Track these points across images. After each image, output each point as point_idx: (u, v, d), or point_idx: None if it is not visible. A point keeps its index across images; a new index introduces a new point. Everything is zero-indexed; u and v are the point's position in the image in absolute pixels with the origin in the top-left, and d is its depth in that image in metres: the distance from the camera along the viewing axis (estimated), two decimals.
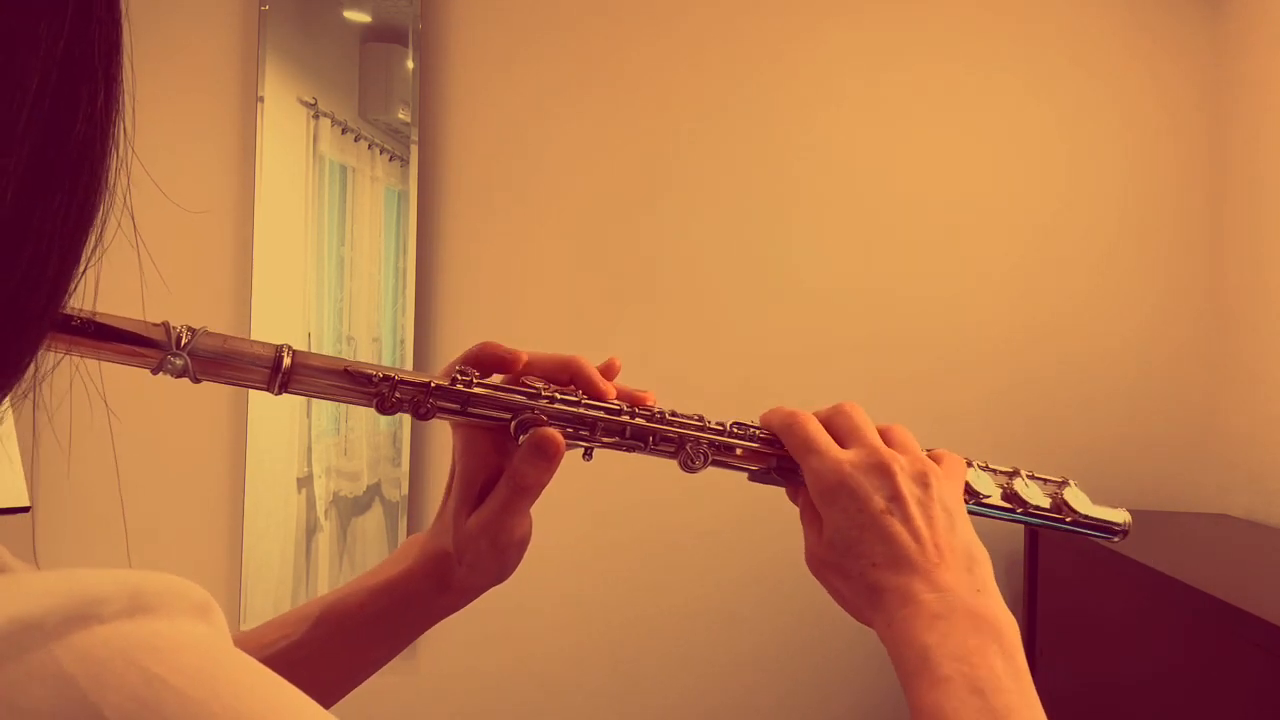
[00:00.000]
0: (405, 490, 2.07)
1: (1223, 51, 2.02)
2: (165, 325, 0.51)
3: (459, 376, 0.58)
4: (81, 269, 0.35)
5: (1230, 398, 1.97)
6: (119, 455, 2.10)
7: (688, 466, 0.61)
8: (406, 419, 2.07)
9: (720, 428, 0.62)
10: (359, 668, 0.64)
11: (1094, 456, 2.02)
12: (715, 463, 0.62)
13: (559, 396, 0.59)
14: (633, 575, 2.09)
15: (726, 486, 2.01)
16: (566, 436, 0.59)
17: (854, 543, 0.57)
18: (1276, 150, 1.85)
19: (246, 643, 0.62)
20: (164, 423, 2.11)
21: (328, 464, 2.08)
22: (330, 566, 2.08)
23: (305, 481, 2.08)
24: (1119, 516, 0.69)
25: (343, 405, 2.06)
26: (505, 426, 0.59)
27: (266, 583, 2.07)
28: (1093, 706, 1.49)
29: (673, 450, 0.61)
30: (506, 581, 0.64)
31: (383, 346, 2.08)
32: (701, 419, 0.62)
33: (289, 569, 2.07)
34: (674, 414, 0.62)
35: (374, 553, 2.08)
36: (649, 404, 0.62)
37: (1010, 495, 0.67)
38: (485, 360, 0.60)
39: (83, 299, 0.39)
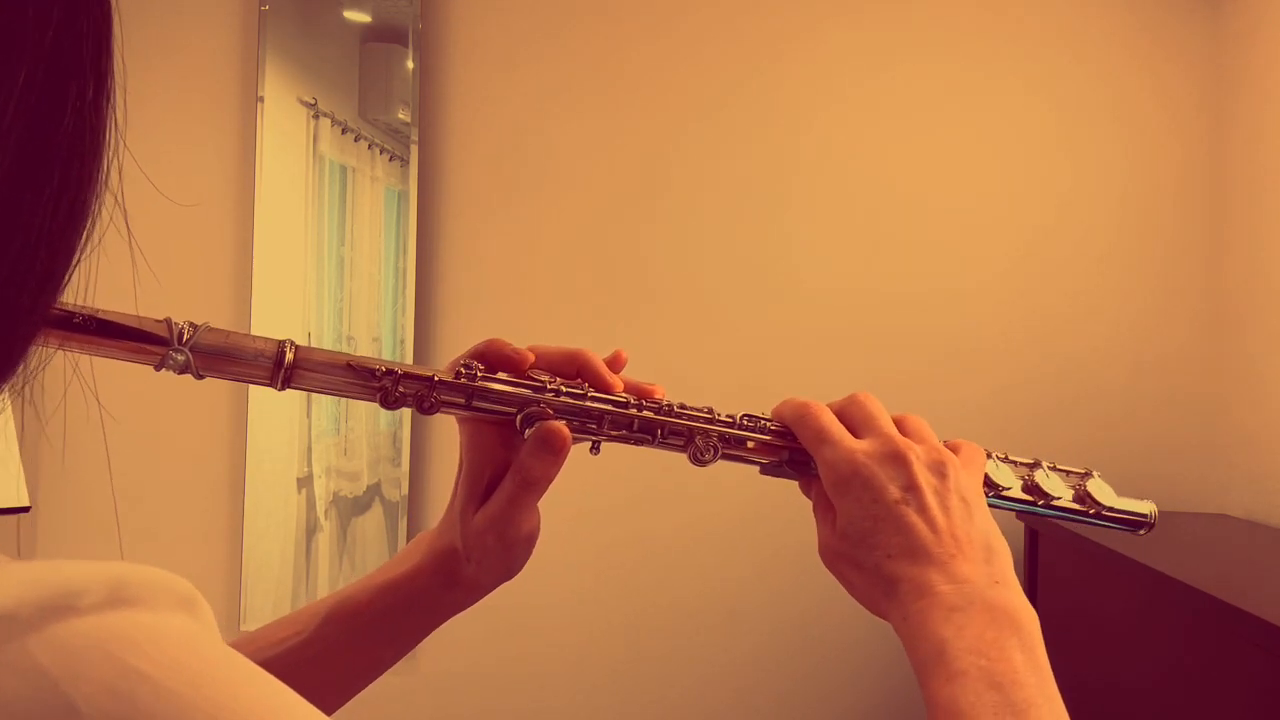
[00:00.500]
0: (405, 490, 2.07)
1: (1222, 51, 2.02)
2: (167, 321, 0.51)
3: (463, 370, 0.57)
4: (73, 265, 0.34)
5: (1230, 398, 1.97)
6: (119, 455, 2.11)
7: (698, 460, 0.60)
8: (407, 418, 2.07)
9: (730, 420, 0.61)
10: (368, 665, 0.64)
11: (1094, 457, 2.01)
12: (726, 456, 0.61)
13: (565, 389, 0.59)
14: (632, 575, 2.09)
15: (726, 486, 2.02)
16: (573, 430, 0.58)
17: (868, 534, 0.56)
18: (1277, 150, 1.85)
19: (258, 640, 0.62)
20: (164, 423, 2.11)
21: (328, 464, 2.08)
22: (330, 566, 2.08)
23: (305, 481, 2.08)
24: (1145, 508, 0.67)
25: (342, 405, 2.06)
26: (511, 421, 0.58)
27: (266, 583, 2.07)
28: (1093, 706, 1.49)
29: (682, 444, 0.60)
30: (507, 582, 0.63)
31: (383, 346, 2.08)
32: (711, 411, 0.61)
33: (289, 569, 2.07)
34: (683, 406, 0.61)
35: (374, 553, 2.08)
36: (657, 397, 0.61)
37: (1031, 487, 0.65)
38: (491, 358, 0.59)
39: (78, 296, 0.39)
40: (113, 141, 0.35)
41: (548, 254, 2.11)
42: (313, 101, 2.08)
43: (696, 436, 0.60)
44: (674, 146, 2.10)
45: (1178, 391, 2.04)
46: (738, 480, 2.08)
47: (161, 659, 0.29)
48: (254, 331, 2.23)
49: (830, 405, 0.61)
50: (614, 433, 0.59)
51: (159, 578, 0.31)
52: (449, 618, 0.64)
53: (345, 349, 2.08)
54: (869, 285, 2.07)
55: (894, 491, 0.56)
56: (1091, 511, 0.66)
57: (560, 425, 0.57)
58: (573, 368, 0.61)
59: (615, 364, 0.62)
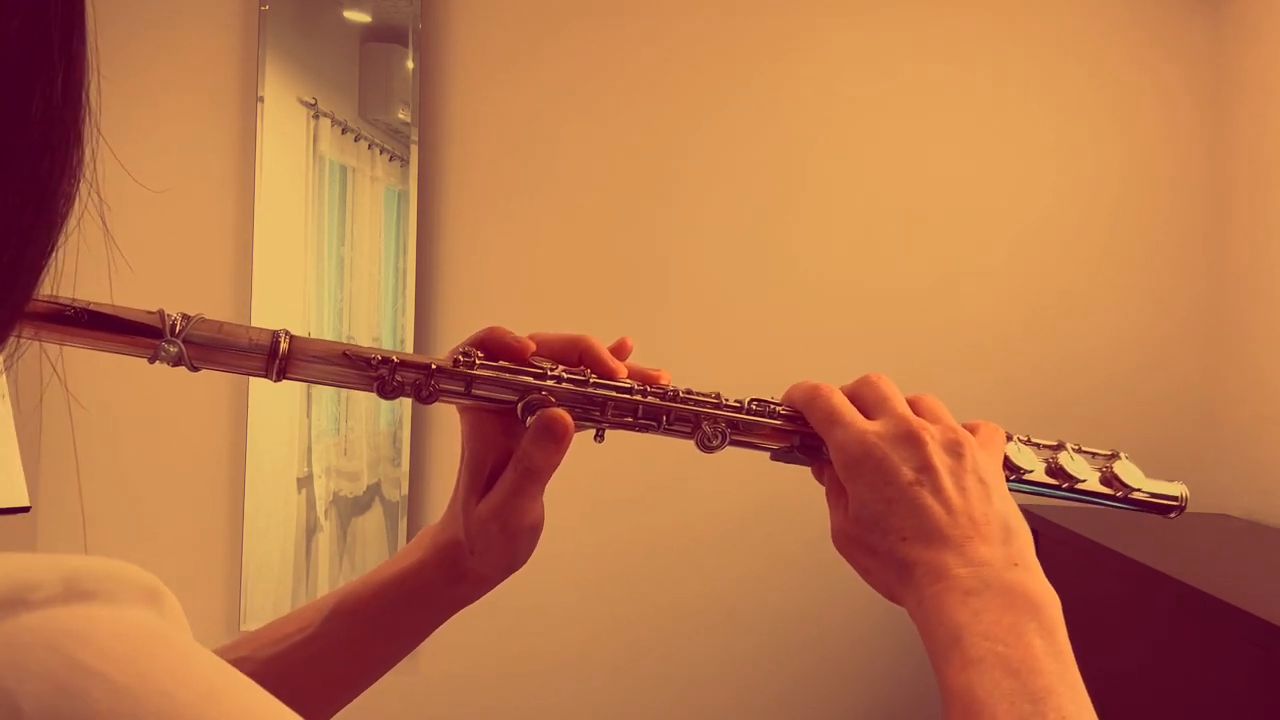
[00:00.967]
0: (405, 490, 2.07)
1: (1222, 49, 2.02)
2: (160, 313, 0.50)
3: (462, 358, 0.56)
4: (48, 256, 0.33)
5: (1231, 397, 1.97)
6: (119, 455, 2.11)
7: (705, 446, 0.58)
8: (407, 418, 2.07)
9: (739, 405, 0.60)
10: (374, 661, 0.63)
11: None
12: (734, 442, 0.59)
13: (567, 376, 0.58)
14: (633, 574, 2.09)
15: (727, 484, 2.02)
16: (576, 417, 0.57)
17: (882, 516, 0.54)
18: (1277, 148, 1.85)
19: (261, 637, 0.61)
20: (164, 423, 2.11)
21: (328, 464, 2.08)
22: (330, 566, 2.08)
23: (305, 481, 2.07)
24: (1175, 489, 0.64)
25: (343, 405, 2.06)
26: (512, 409, 0.57)
27: (266, 583, 2.06)
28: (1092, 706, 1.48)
29: (689, 430, 0.59)
30: (506, 581, 0.62)
31: (382, 346, 2.08)
32: (718, 396, 0.60)
33: (289, 569, 2.07)
34: (689, 392, 0.59)
35: (374, 553, 2.08)
36: (663, 383, 0.60)
37: (1055, 470, 0.62)
38: (491, 345, 0.58)
39: (74, 292, 0.39)
40: (90, 130, 0.34)
41: (548, 254, 2.11)
42: (313, 101, 2.08)
43: (704, 422, 0.59)
44: (674, 146, 2.10)
45: (1178, 391, 2.04)
46: (739, 478, 2.09)
47: (114, 654, 0.27)
48: None
49: (843, 388, 0.59)
50: (618, 419, 0.58)
51: (118, 570, 0.30)
52: (454, 612, 0.63)
53: None
54: (871, 282, 2.07)
55: (907, 473, 0.54)
56: (1119, 494, 0.63)
57: (562, 412, 0.56)
58: (575, 354, 0.60)
59: (621, 352, 0.61)
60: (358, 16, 2.09)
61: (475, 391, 0.57)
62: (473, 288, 2.11)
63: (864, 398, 0.58)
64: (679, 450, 0.63)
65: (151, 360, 0.50)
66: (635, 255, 2.10)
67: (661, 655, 2.08)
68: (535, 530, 0.60)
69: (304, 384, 0.62)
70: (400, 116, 2.08)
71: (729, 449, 0.60)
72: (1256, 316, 1.90)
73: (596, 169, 2.11)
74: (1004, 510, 0.55)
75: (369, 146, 2.09)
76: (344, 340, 2.08)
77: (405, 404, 2.05)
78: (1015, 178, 2.07)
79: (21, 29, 0.30)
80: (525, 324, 2.11)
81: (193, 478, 2.11)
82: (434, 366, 0.56)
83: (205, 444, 2.11)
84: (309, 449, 2.07)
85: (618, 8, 2.12)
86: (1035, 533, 1.75)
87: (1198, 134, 2.05)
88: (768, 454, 0.61)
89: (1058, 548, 1.71)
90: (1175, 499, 0.63)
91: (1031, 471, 0.61)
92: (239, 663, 0.59)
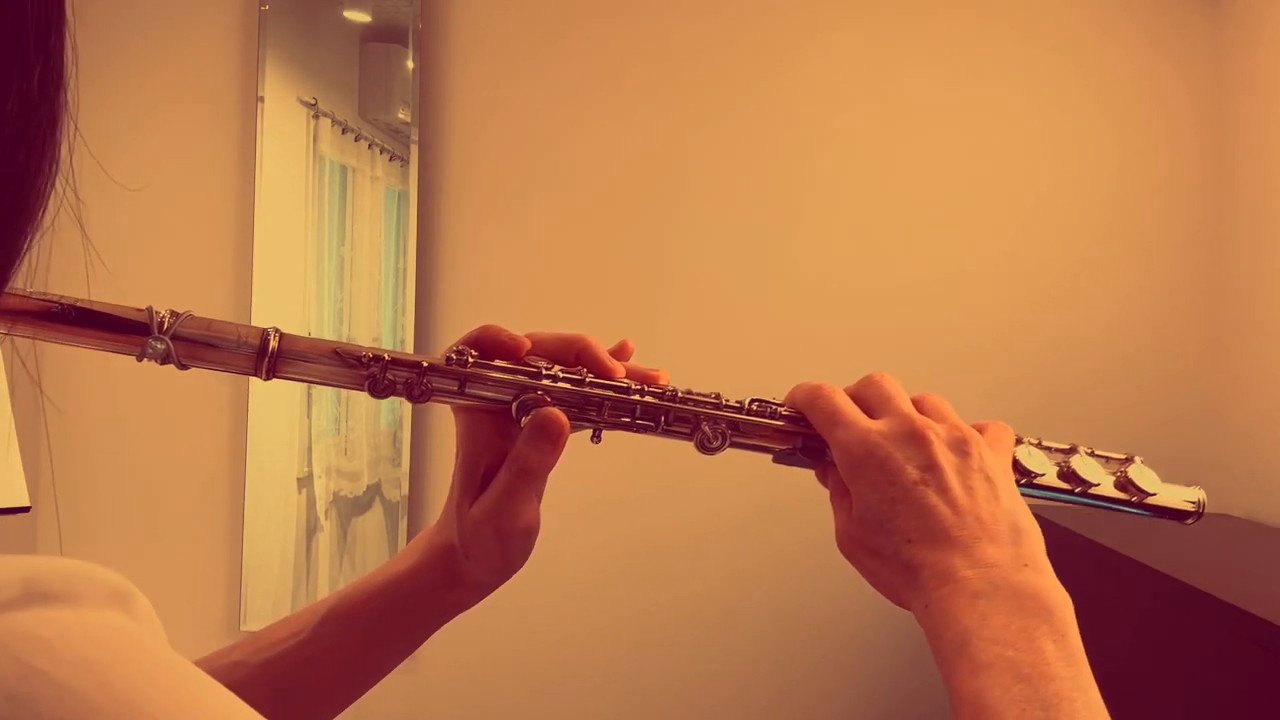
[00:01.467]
0: (405, 490, 2.07)
1: (1220, 48, 2.02)
2: (148, 310, 0.49)
3: (455, 357, 0.55)
4: (21, 252, 0.33)
5: (1231, 398, 1.96)
6: (119, 456, 2.11)
7: (705, 447, 0.57)
8: (407, 418, 2.07)
9: (739, 405, 0.58)
10: (369, 666, 0.61)
11: None
12: (735, 444, 0.57)
13: (563, 375, 0.56)
14: (633, 574, 2.08)
15: (727, 484, 2.02)
16: (573, 417, 0.56)
17: (886, 518, 0.52)
18: (1277, 147, 1.84)
19: (256, 641, 0.60)
20: (164, 423, 2.11)
21: (328, 464, 2.08)
22: (330, 566, 2.08)
23: (305, 481, 2.07)
24: (1193, 495, 0.61)
25: (343, 405, 2.06)
26: (507, 409, 0.56)
27: (266, 583, 2.06)
28: None
29: (688, 431, 0.57)
30: (508, 581, 0.60)
31: (383, 346, 2.07)
32: (719, 397, 0.58)
33: (289, 569, 2.07)
34: (688, 392, 0.58)
35: (374, 553, 2.08)
36: (661, 383, 0.58)
37: (1067, 474, 0.60)
38: (486, 344, 0.57)
39: (45, 285, 0.38)
40: (69, 127, 0.33)
41: (548, 253, 2.11)
42: (313, 101, 2.08)
43: (704, 423, 0.57)
44: (675, 145, 2.10)
45: (1178, 391, 2.04)
46: (740, 478, 2.09)
47: (69, 658, 0.26)
48: None
49: (846, 388, 0.58)
50: (615, 420, 0.57)
51: (83, 571, 0.29)
52: (450, 618, 0.61)
53: None
54: (872, 283, 2.07)
55: (912, 472, 0.52)
56: (1134, 500, 0.60)
57: (558, 412, 0.55)
58: (571, 353, 0.58)
59: (621, 353, 0.60)
60: (358, 16, 2.09)
61: (469, 390, 0.55)
62: (473, 288, 2.11)
63: (867, 397, 0.57)
64: (679, 450, 0.62)
65: (139, 358, 0.49)
66: (635, 255, 2.10)
67: (661, 655, 2.08)
68: (530, 533, 0.58)
69: (303, 383, 0.61)
70: (400, 116, 2.08)
71: (729, 451, 0.58)
72: (1256, 316, 1.89)
73: (597, 169, 2.11)
74: (1013, 509, 0.53)
75: (369, 146, 2.09)
76: (344, 339, 2.08)
77: (405, 404, 2.04)
78: (1016, 178, 2.07)
79: None
80: (525, 324, 2.10)
81: (193, 477, 2.11)
82: (426, 365, 0.55)
83: (205, 444, 2.11)
84: (309, 449, 2.07)
85: (618, 8, 2.11)
86: None
87: (1197, 132, 2.04)
88: (770, 456, 0.59)
89: (1056, 547, 1.71)
90: (1193, 504, 0.61)
91: (1043, 475, 0.59)
92: (232, 667, 0.58)
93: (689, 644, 2.08)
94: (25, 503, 1.70)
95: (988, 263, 2.06)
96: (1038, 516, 0.55)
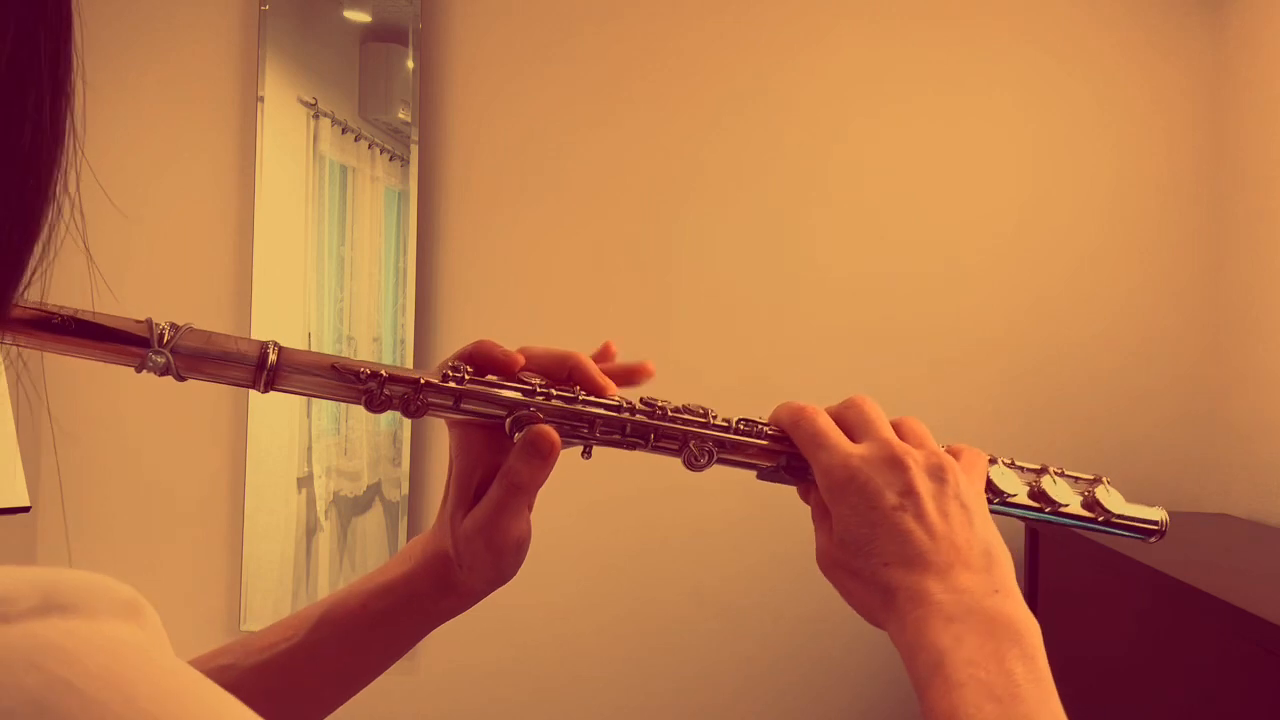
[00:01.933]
0: (405, 490, 2.07)
1: (1220, 50, 2.01)
2: (148, 322, 0.50)
3: (451, 373, 0.56)
4: (28, 278, 0.34)
5: (1230, 397, 1.96)
6: (119, 455, 2.11)
7: (692, 465, 0.59)
8: (407, 419, 2.07)
9: (726, 424, 0.60)
10: (360, 670, 0.63)
11: (1094, 457, 2.01)
12: (721, 461, 0.59)
13: (556, 393, 0.57)
14: (632, 573, 2.09)
15: (724, 484, 2.01)
16: (564, 434, 0.57)
17: (865, 541, 0.54)
18: (1276, 147, 1.84)
19: (248, 645, 0.61)
20: (164, 423, 2.11)
21: (328, 464, 2.08)
22: (330, 566, 2.08)
23: (305, 481, 2.08)
24: (1156, 514, 0.65)
25: (342, 405, 2.06)
26: (500, 424, 0.57)
27: (266, 583, 2.07)
28: (1093, 707, 1.48)
29: (676, 448, 0.59)
30: (499, 588, 0.62)
31: (383, 346, 2.08)
32: (707, 413, 0.60)
33: (289, 569, 2.07)
34: (677, 409, 0.59)
35: (374, 553, 2.08)
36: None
37: (1037, 493, 0.63)
38: (480, 360, 0.58)
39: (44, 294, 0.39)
40: (71, 151, 0.34)
41: (548, 253, 2.11)
42: (313, 101, 2.08)
43: (691, 441, 0.59)
44: (675, 146, 2.10)
45: (1178, 392, 2.04)
46: (737, 478, 2.07)
47: (92, 669, 0.27)
48: (254, 332, 2.22)
49: (828, 409, 0.60)
50: (605, 437, 0.58)
51: (97, 583, 0.30)
52: (442, 623, 0.63)
53: (345, 349, 2.09)
54: (875, 282, 2.07)
55: (891, 497, 0.54)
56: (1100, 519, 0.64)
57: (549, 429, 0.56)
58: (564, 370, 0.59)
59: (604, 356, 0.61)
60: (358, 16, 2.09)
61: (463, 407, 0.56)
62: (473, 287, 2.11)
63: (849, 420, 0.59)
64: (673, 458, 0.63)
65: (138, 370, 0.50)
66: (635, 255, 2.10)
67: (660, 653, 2.08)
68: (521, 546, 0.60)
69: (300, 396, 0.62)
70: (400, 116, 2.08)
71: (716, 468, 0.60)
72: (1256, 316, 1.89)
73: (597, 168, 2.11)
74: (986, 536, 0.55)
75: (369, 146, 2.09)
76: (344, 339, 2.08)
77: None
78: (1016, 177, 2.07)
79: (11, 59, 0.31)
80: (525, 322, 2.11)
81: (193, 477, 2.11)
82: (422, 381, 0.55)
83: (206, 443, 2.11)
84: (309, 449, 2.07)
85: (618, 8, 2.11)
86: (1034, 531, 1.75)
87: (1196, 132, 2.04)
88: (754, 473, 0.61)
89: (1057, 547, 1.71)
90: (1155, 524, 0.65)
91: (1015, 495, 0.62)
92: (223, 670, 0.59)
93: (688, 643, 2.08)
94: (25, 503, 1.70)
95: (988, 261, 2.06)
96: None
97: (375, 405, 0.54)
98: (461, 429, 0.60)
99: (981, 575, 0.53)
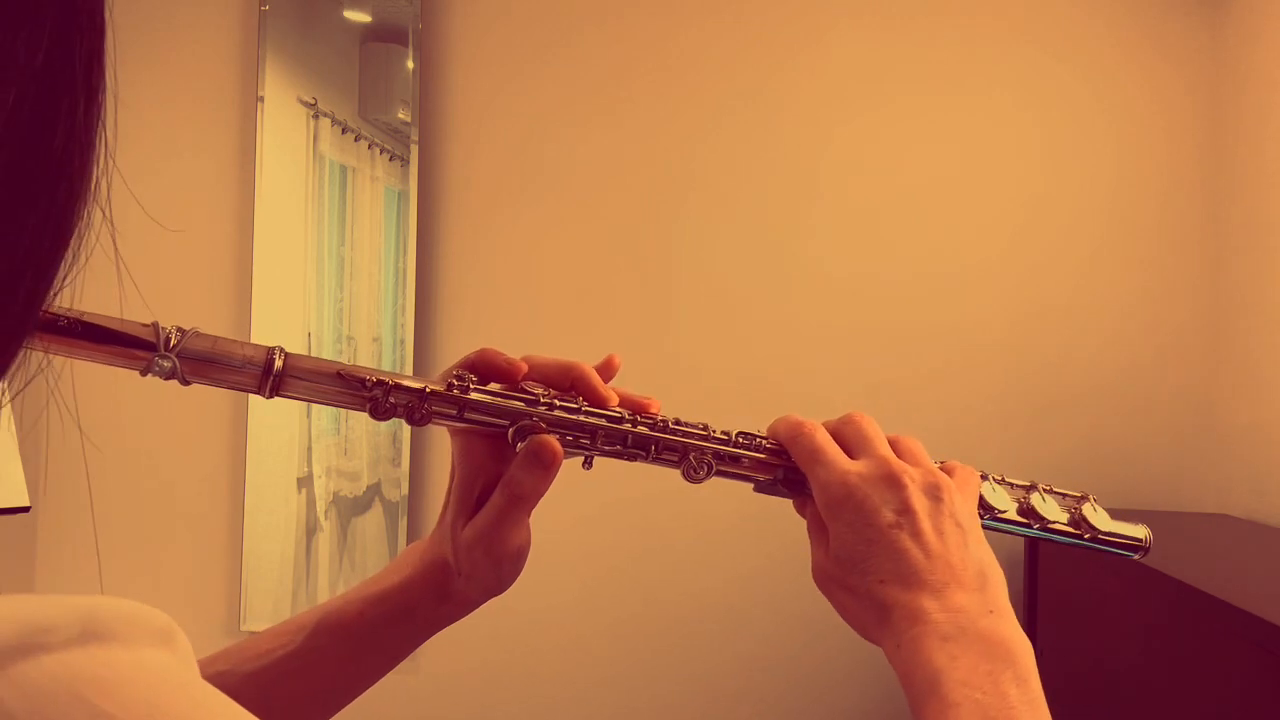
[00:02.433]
0: (405, 490, 2.07)
1: (1220, 49, 2.02)
2: (154, 326, 0.50)
3: (455, 382, 0.56)
4: (59, 284, 0.34)
5: (1230, 397, 1.96)
6: (119, 455, 2.11)
7: (691, 476, 0.60)
8: None
9: (725, 437, 0.61)
10: (357, 677, 0.63)
11: (1094, 457, 2.02)
12: (720, 473, 0.60)
13: (558, 403, 0.58)
14: (633, 574, 2.09)
15: (726, 488, 2.01)
16: (566, 444, 0.57)
17: (861, 558, 0.55)
18: (1276, 148, 1.84)
19: (244, 651, 0.61)
20: (164, 423, 2.11)
21: (328, 464, 2.08)
22: (330, 567, 2.08)
23: (305, 481, 2.08)
24: (1139, 533, 0.67)
25: None
26: (503, 433, 0.57)
27: (266, 583, 2.07)
28: (1093, 707, 1.49)
29: (676, 460, 0.60)
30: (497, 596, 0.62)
31: (383, 347, 2.08)
32: (706, 428, 0.61)
33: (289, 569, 2.07)
34: (677, 422, 0.60)
35: (374, 553, 2.08)
36: (653, 411, 0.60)
37: (1026, 510, 0.65)
38: (483, 369, 0.58)
39: (72, 303, 0.39)
40: (102, 156, 0.34)
41: (549, 254, 2.10)
42: (313, 101, 2.08)
43: (690, 453, 0.60)
44: (676, 146, 2.10)
45: (1178, 392, 2.04)
46: (736, 485, 2.08)
47: (131, 699, 0.28)
48: (254, 332, 2.21)
49: (826, 424, 0.60)
50: (607, 448, 0.59)
51: (134, 611, 0.30)
52: (436, 632, 0.63)
53: (345, 349, 2.09)
54: (875, 285, 2.07)
55: (888, 515, 0.55)
56: (1086, 535, 0.66)
57: (552, 439, 0.57)
58: (567, 380, 0.60)
59: (607, 369, 0.61)
60: (358, 16, 2.09)
61: (467, 416, 0.57)
62: (473, 288, 2.11)
63: (846, 436, 0.60)
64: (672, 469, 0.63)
65: (144, 373, 0.49)
66: (635, 255, 2.10)
67: (661, 654, 2.08)
68: (520, 555, 0.60)
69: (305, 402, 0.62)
70: (400, 116, 2.08)
71: (714, 479, 0.61)
72: (1256, 316, 1.89)
73: (597, 168, 2.11)
74: (980, 556, 0.56)
75: (369, 146, 2.09)
76: (344, 340, 2.08)
77: None
78: (1016, 178, 2.07)
79: (46, 65, 0.31)
80: (526, 323, 2.11)
81: (193, 477, 2.11)
82: (427, 390, 0.56)
83: (206, 443, 2.11)
84: (309, 449, 2.07)
85: (618, 8, 2.11)
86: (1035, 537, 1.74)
87: (1196, 133, 2.04)
88: (751, 485, 0.62)
89: (1058, 547, 1.71)
90: (1139, 541, 0.67)
91: (1005, 511, 0.64)
92: (219, 676, 0.59)
93: (689, 644, 2.08)
94: (25, 503, 1.70)
95: (988, 261, 2.06)
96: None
97: (380, 413, 0.55)
98: (464, 437, 0.60)
99: (976, 595, 0.54)
